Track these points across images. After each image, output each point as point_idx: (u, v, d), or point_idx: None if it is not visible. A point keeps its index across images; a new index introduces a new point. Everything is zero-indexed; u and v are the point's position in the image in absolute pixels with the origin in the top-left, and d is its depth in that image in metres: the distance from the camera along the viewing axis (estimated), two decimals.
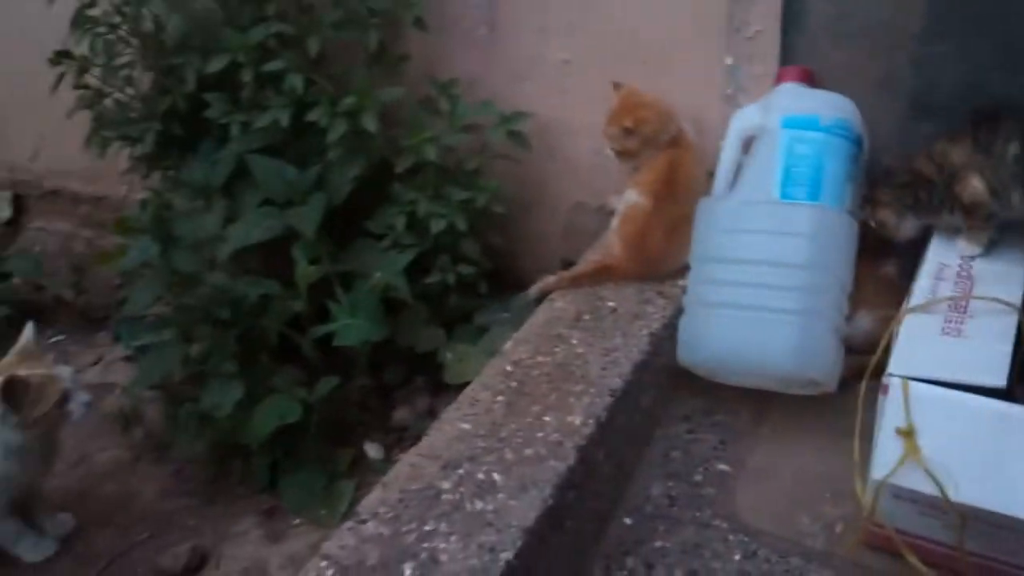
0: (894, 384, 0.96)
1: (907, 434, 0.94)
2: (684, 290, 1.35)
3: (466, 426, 1.17)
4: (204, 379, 1.72)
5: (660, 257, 1.44)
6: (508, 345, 1.34)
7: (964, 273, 1.11)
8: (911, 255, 1.28)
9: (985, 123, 1.13)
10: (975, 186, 1.12)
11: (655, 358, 1.31)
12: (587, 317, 1.39)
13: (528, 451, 1.11)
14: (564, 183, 1.80)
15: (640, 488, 1.23)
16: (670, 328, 1.34)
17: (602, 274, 1.47)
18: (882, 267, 1.37)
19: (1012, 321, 0.99)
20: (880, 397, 0.99)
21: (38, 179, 2.75)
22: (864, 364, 1.32)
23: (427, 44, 1.78)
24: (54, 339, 2.43)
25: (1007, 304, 1.01)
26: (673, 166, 1.44)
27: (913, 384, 0.94)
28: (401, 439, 1.79)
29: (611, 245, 1.49)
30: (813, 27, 1.38)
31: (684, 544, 1.13)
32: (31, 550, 1.63)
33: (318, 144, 1.69)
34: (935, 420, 0.94)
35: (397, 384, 1.87)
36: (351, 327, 1.64)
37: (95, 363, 2.33)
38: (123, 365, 2.24)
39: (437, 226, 1.67)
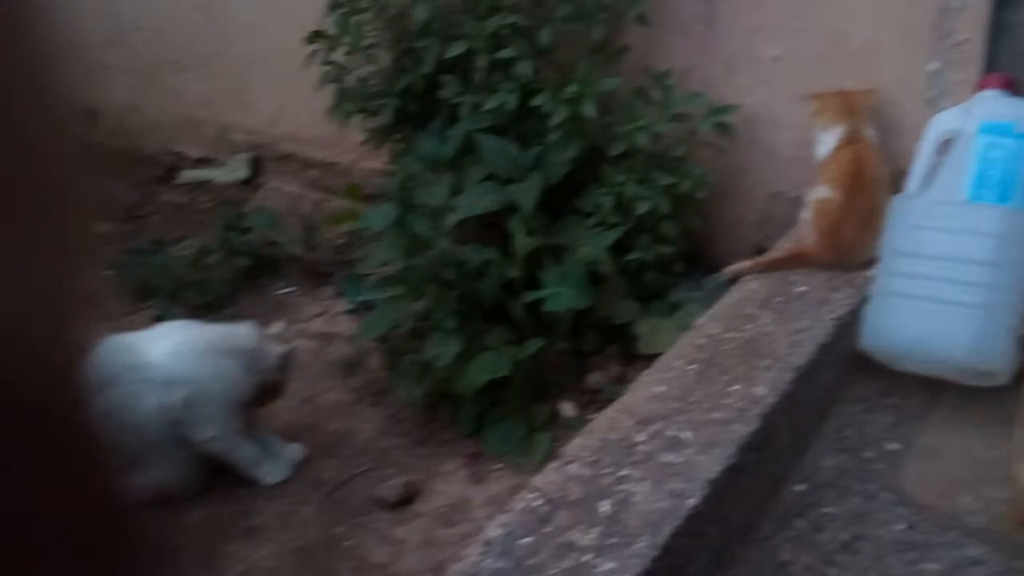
0: None
1: None
2: (871, 280, 1.60)
3: (661, 388, 1.46)
4: (425, 333, 2.10)
5: (852, 248, 1.70)
6: (702, 320, 1.65)
7: None
8: None
9: None
10: None
11: (839, 341, 1.58)
12: (778, 299, 1.68)
13: (716, 415, 1.38)
14: (763, 173, 2.08)
15: (814, 459, 1.50)
16: (855, 314, 1.61)
17: (795, 261, 1.75)
18: None
19: None
20: None
21: (275, 143, 3.35)
22: None
23: (646, 37, 2.11)
24: (285, 291, 2.89)
25: None
26: (857, 161, 1.70)
27: None
28: (593, 401, 2.14)
29: (805, 235, 1.76)
30: (1018, 38, 1.57)
31: (851, 512, 1.39)
32: (270, 473, 1.98)
33: (540, 126, 2.06)
34: None
35: (593, 351, 2.22)
36: (559, 295, 2.00)
37: (320, 314, 2.76)
38: (345, 318, 2.65)
39: (641, 208, 2.00)
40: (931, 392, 1.57)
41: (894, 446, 1.50)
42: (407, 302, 2.13)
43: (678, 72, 2.04)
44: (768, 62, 1.97)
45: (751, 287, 1.73)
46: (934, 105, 1.71)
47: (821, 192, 1.73)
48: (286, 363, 2.06)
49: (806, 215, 1.75)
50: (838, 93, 1.79)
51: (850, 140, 1.73)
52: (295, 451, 2.09)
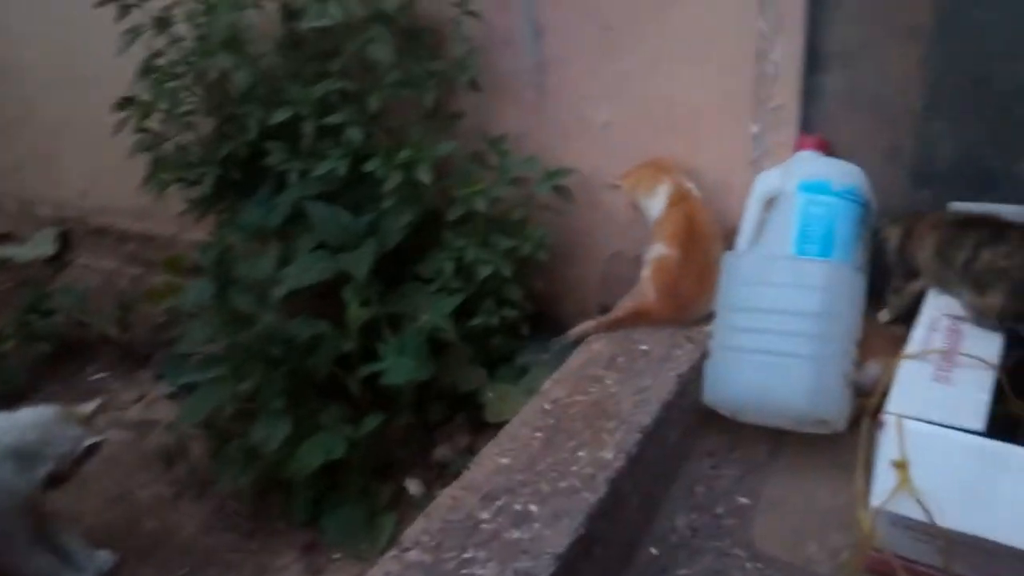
0: (890, 422, 1.21)
1: (901, 466, 1.18)
2: (710, 335, 1.61)
3: (505, 460, 1.41)
4: (252, 416, 1.96)
5: (691, 303, 1.72)
6: (547, 384, 1.61)
7: (954, 328, 1.36)
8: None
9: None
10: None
11: (682, 398, 1.58)
12: (621, 359, 1.66)
13: (563, 483, 1.34)
14: (603, 234, 2.10)
15: (666, 519, 1.48)
16: (696, 370, 1.61)
17: (636, 319, 1.75)
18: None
19: (991, 375, 1.25)
20: (878, 433, 1.24)
21: (86, 215, 3.11)
22: (869, 407, 1.58)
23: (480, 103, 2.10)
24: (97, 376, 2.68)
25: (987, 363, 1.26)
26: (689, 218, 1.75)
27: (906, 422, 1.19)
28: (441, 475, 2.05)
29: (645, 292, 1.76)
30: (828, 102, 1.68)
31: (705, 572, 1.37)
32: None
33: (373, 192, 2.00)
34: (925, 454, 1.18)
35: (439, 422, 2.14)
36: (398, 366, 1.92)
37: (137, 400, 2.57)
38: (165, 403, 2.46)
39: (484, 272, 1.96)
40: (774, 442, 1.59)
41: (743, 500, 1.50)
42: (230, 382, 1.99)
43: (514, 137, 2.05)
44: (599, 127, 2.00)
45: (595, 348, 1.71)
46: (758, 166, 1.78)
47: (658, 250, 1.75)
48: (82, 449, 1.81)
49: (646, 273, 1.77)
50: (645, 164, 1.87)
51: (679, 198, 1.77)
52: (103, 559, 1.90)
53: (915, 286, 1.52)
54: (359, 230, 2.01)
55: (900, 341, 1.59)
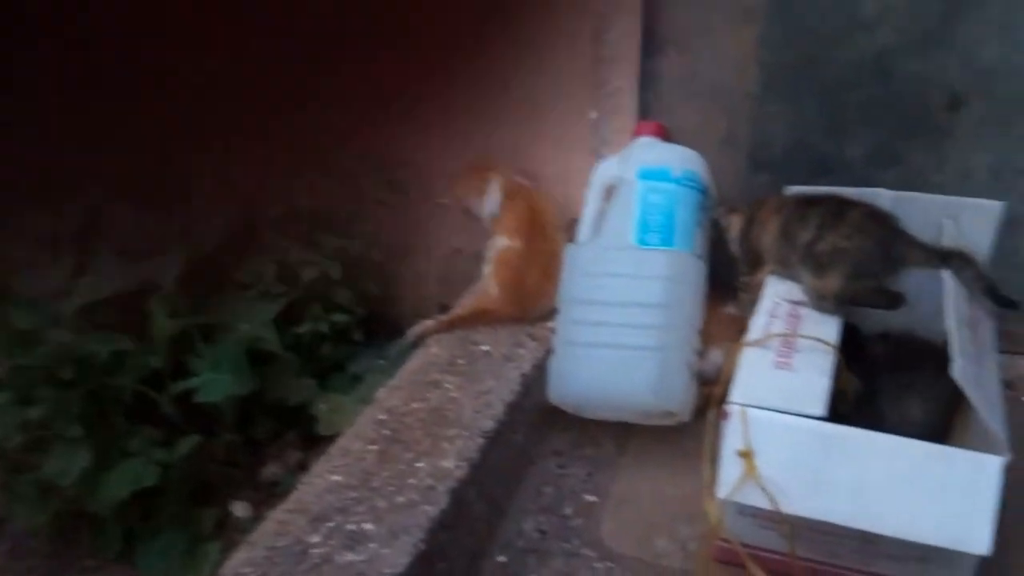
0: (734, 411, 1.17)
1: (746, 455, 1.15)
2: (553, 331, 1.55)
3: (337, 478, 1.28)
4: (46, 445, 1.73)
5: (536, 297, 1.65)
6: (382, 393, 1.49)
7: (794, 313, 1.36)
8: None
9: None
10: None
11: (526, 398, 1.50)
12: (461, 361, 1.56)
13: (400, 498, 1.24)
14: (441, 229, 1.99)
15: (513, 524, 1.39)
16: (540, 368, 1.54)
17: (479, 317, 1.66)
18: (723, 307, 1.62)
19: (830, 359, 1.24)
20: (723, 423, 1.20)
21: None
22: (715, 396, 1.56)
23: None
24: None
25: (826, 344, 1.26)
26: (530, 208, 1.68)
27: (750, 411, 1.16)
28: (272, 495, 1.88)
29: (487, 288, 1.68)
30: (666, 87, 1.65)
31: (554, 575, 1.30)
32: None
33: (182, 191, 1.80)
34: (769, 442, 1.15)
35: (267, 439, 1.97)
36: (213, 382, 1.73)
37: None
38: None
39: (309, 274, 1.81)
40: (621, 437, 1.54)
41: (591, 498, 1.44)
42: (16, 409, 1.73)
43: (342, 130, 1.91)
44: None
45: (433, 351, 1.61)
46: (597, 153, 1.74)
47: (501, 242, 1.67)
48: None
49: (487, 268, 1.68)
50: (468, 169, 1.79)
51: (513, 191, 1.70)
52: None
53: (761, 276, 1.50)
54: (166, 234, 1.81)
55: (741, 326, 1.60)
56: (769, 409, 1.16)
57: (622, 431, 1.53)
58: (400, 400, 1.46)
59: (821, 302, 1.35)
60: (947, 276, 1.30)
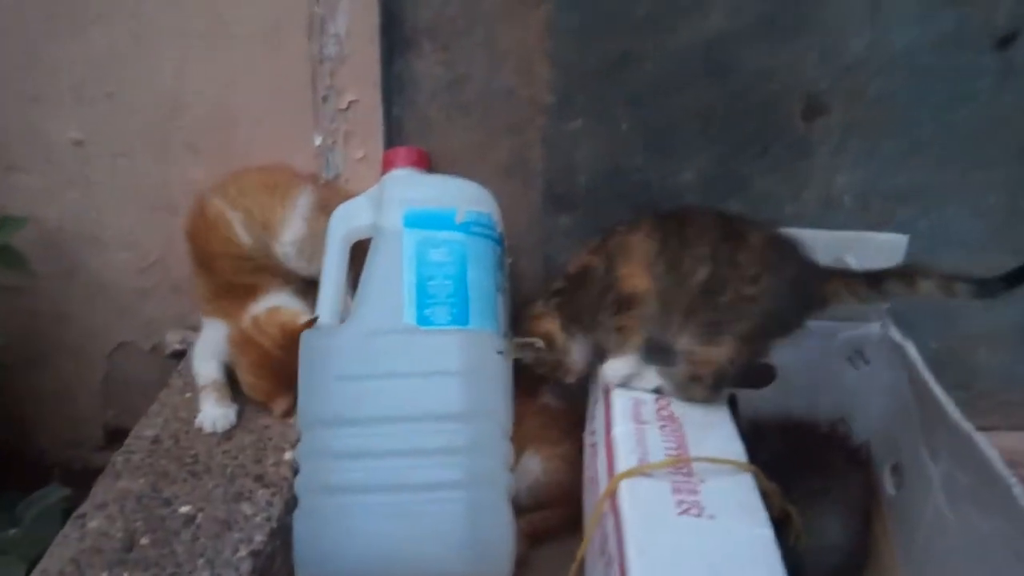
0: None
1: None
2: (294, 468, 0.93)
3: None
4: None
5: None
6: None
7: (666, 412, 0.88)
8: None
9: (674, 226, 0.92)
10: (640, 278, 0.90)
11: None
12: (144, 541, 0.89)
13: None
14: (97, 318, 1.26)
15: None
16: (283, 533, 0.91)
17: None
18: (539, 397, 1.13)
19: (749, 483, 0.77)
20: None
21: None
22: (538, 528, 1.05)
23: None
24: None
25: (738, 464, 0.79)
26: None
27: None
28: None
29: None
30: (423, 96, 1.10)
31: None
32: None
33: None
34: None
35: None
36: None
37: None
38: None
39: None
40: None
41: None
42: None
43: None
44: (69, 149, 1.17)
45: (94, 525, 0.91)
46: None
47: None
48: None
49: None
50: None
51: None
52: None
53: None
54: None
55: (556, 416, 1.11)
56: None
57: None
58: None
59: (690, 386, 0.89)
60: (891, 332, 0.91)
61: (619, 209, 1.08)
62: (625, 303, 0.90)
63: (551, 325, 0.96)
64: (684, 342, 0.88)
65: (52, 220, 1.20)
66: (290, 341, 0.98)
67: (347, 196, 1.04)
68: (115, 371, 1.28)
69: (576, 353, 0.96)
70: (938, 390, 0.83)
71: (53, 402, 1.30)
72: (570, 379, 0.98)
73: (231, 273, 1.04)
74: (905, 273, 0.86)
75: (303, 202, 1.05)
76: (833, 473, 0.96)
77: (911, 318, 0.96)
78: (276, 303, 1.04)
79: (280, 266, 1.05)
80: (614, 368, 0.92)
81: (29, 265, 1.13)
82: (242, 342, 1.02)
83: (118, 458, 1.01)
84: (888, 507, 1.00)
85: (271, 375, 1.02)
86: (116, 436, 1.11)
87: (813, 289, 0.87)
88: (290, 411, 1.01)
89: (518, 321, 0.99)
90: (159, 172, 1.17)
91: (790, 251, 0.88)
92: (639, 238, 0.90)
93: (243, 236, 1.03)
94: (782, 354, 0.92)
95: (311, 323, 0.97)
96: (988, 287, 0.82)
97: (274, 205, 1.04)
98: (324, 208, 1.04)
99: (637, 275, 0.89)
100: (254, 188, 1.05)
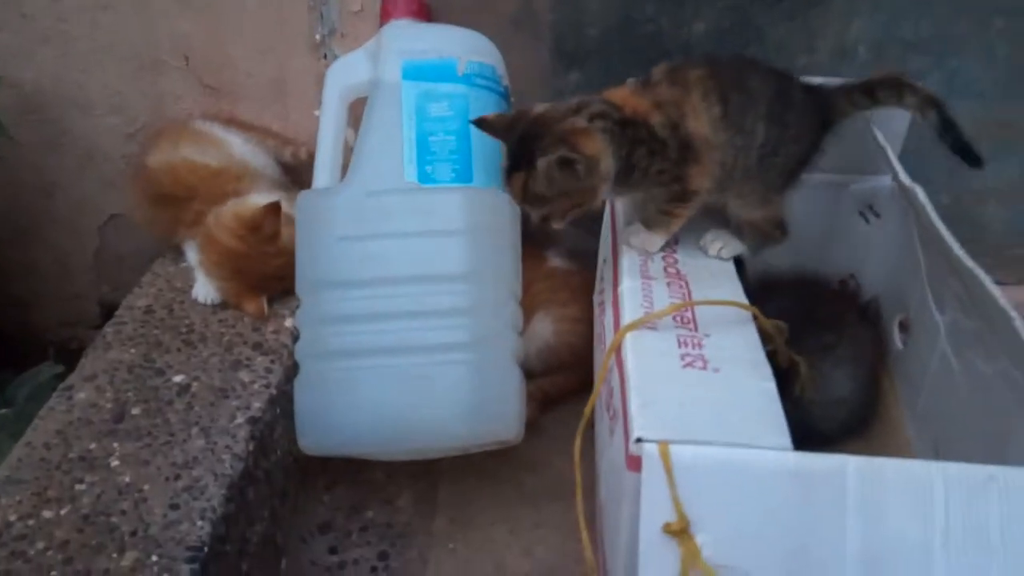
0: (649, 455, 0.62)
1: (680, 532, 0.61)
2: (294, 336, 0.89)
3: None
4: None
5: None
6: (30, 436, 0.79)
7: (673, 269, 0.82)
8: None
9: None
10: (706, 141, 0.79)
11: (262, 458, 0.83)
12: (136, 411, 0.85)
13: None
14: (86, 188, 1.19)
15: None
16: (281, 402, 0.87)
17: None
18: (547, 258, 1.08)
19: (753, 336, 0.73)
20: (628, 475, 0.64)
21: None
22: (549, 392, 1.01)
23: None
24: None
25: (737, 304, 0.74)
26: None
27: (676, 451, 0.61)
28: None
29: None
30: None
31: None
32: None
33: None
34: (718, 502, 0.62)
35: None
36: None
37: None
38: None
39: None
40: (424, 485, 0.94)
41: None
42: None
43: None
44: (45, 0, 1.07)
45: (82, 396, 0.87)
46: (326, 49, 1.05)
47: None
48: None
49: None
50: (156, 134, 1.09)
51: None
52: None
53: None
54: None
55: (565, 277, 1.06)
56: (706, 444, 0.63)
57: (423, 473, 0.93)
58: (25, 501, 0.73)
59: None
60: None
61: (629, 62, 1.00)
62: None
63: (599, 147, 0.78)
64: (735, 206, 0.84)
65: (28, 82, 1.11)
66: (247, 230, 0.93)
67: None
68: (108, 245, 1.22)
69: (607, 191, 0.85)
70: (945, 232, 0.80)
71: (46, 279, 1.24)
72: (574, 216, 0.86)
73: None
74: (896, 84, 0.84)
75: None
76: (842, 328, 0.93)
77: (922, 172, 0.90)
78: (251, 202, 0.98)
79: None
80: (653, 242, 0.85)
81: (6, 129, 1.05)
82: (206, 241, 0.97)
83: (108, 329, 0.97)
84: (895, 362, 0.99)
85: (236, 274, 0.96)
86: (112, 312, 1.06)
87: (828, 115, 0.85)
88: (261, 312, 0.96)
89: (540, 133, 0.78)
90: (144, 26, 1.07)
91: (815, 93, 0.84)
92: (698, 95, 0.80)
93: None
94: (793, 209, 0.86)
95: (269, 209, 0.91)
96: (951, 137, 0.82)
97: None
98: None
99: (702, 138, 0.80)
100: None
